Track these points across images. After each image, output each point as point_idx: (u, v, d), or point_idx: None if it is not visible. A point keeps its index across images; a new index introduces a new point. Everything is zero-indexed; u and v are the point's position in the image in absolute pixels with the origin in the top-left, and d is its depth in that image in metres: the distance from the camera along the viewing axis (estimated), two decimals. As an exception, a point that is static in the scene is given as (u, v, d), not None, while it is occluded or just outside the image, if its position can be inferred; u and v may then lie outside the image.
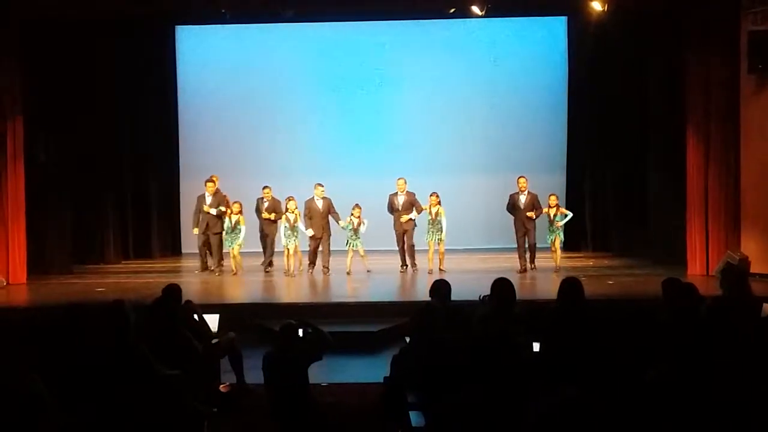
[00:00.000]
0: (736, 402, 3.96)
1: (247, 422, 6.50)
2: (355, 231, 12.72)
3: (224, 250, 13.12)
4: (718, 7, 11.91)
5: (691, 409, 3.86)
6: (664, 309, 5.93)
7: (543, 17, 16.26)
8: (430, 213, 12.69)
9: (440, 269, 12.65)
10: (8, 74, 12.27)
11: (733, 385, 4.09)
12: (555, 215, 12.68)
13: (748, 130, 11.84)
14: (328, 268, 12.78)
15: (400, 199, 12.87)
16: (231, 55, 16.39)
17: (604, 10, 12.42)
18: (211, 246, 13.13)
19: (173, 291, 6.90)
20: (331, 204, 12.87)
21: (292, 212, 12.70)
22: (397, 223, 12.89)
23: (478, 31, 16.08)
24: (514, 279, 7.43)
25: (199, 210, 13.06)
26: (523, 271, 12.63)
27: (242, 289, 12.09)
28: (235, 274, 12.84)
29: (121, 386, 4.92)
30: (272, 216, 13.07)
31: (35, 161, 13.03)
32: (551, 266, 12.81)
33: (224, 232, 12.91)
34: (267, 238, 13.29)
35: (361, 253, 12.77)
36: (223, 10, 13.70)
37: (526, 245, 12.86)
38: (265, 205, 13.19)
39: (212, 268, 13.14)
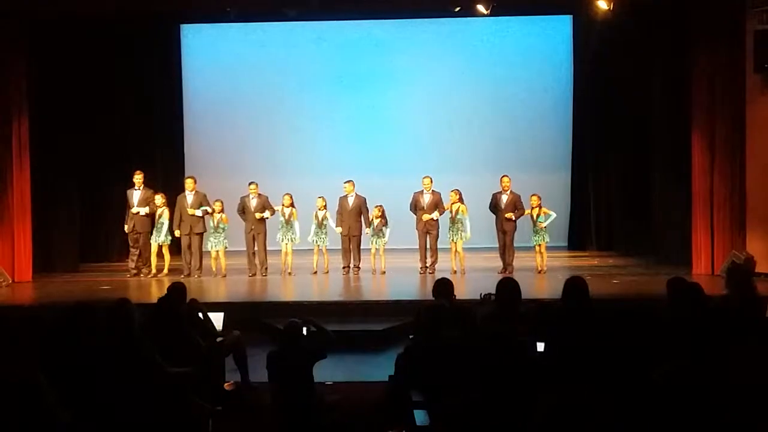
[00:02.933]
0: (743, 401, 3.95)
1: (252, 420, 6.50)
2: (377, 231, 12.59)
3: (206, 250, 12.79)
4: (723, 6, 11.88)
5: (697, 409, 3.85)
6: (670, 308, 5.92)
7: (548, 16, 16.28)
8: (451, 211, 12.48)
9: (462, 271, 12.42)
10: (14, 73, 12.29)
11: (739, 385, 4.08)
12: (537, 216, 12.48)
13: (754, 130, 11.81)
14: (358, 267, 12.74)
15: (426, 198, 12.62)
16: (236, 53, 16.43)
17: (609, 9, 12.41)
18: (192, 247, 12.65)
19: (178, 289, 6.92)
20: (365, 203, 12.72)
21: (287, 207, 12.59)
22: (420, 222, 12.62)
23: (484, 29, 16.07)
24: (518, 278, 7.40)
25: (180, 211, 12.62)
26: (504, 270, 12.40)
27: (246, 287, 12.06)
28: (216, 275, 12.48)
29: (126, 384, 4.93)
30: (266, 214, 12.60)
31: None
32: (539, 266, 12.53)
33: (207, 233, 12.60)
34: (258, 238, 12.65)
35: (381, 252, 12.66)
36: (228, 9, 13.73)
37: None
38: (254, 203, 12.69)
39: (193, 270, 12.62)
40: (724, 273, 11.26)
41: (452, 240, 12.47)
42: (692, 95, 12.34)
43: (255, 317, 9.61)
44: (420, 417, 4.92)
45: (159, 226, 12.61)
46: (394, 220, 12.92)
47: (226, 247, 12.68)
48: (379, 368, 7.32)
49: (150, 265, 12.80)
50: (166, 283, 11.88)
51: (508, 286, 6.00)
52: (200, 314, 7.12)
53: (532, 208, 12.53)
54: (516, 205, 12.53)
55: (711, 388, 3.93)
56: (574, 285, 5.95)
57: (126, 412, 4.76)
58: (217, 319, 7.37)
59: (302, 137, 16.37)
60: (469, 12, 13.41)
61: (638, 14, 13.35)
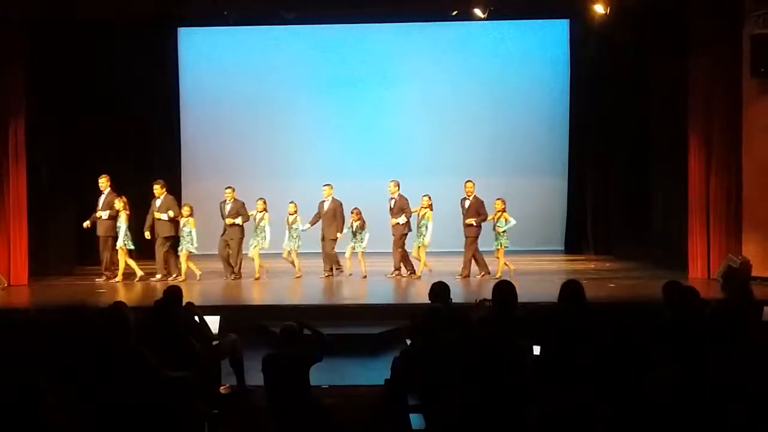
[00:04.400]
0: (739, 405, 3.95)
1: (248, 424, 6.50)
2: (354, 234, 12.59)
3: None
4: (721, 10, 11.90)
5: (694, 412, 3.85)
6: (666, 312, 5.92)
7: (545, 20, 16.28)
8: (418, 215, 12.49)
9: (418, 275, 12.46)
10: (11, 75, 12.28)
11: (736, 389, 4.08)
12: (497, 220, 12.40)
13: (750, 134, 11.83)
14: (332, 270, 12.78)
15: (391, 203, 12.69)
16: (233, 56, 16.43)
17: (606, 13, 12.43)
18: (161, 251, 12.64)
19: (174, 293, 6.91)
20: (340, 207, 12.73)
21: (261, 212, 12.58)
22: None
23: (481, 33, 16.09)
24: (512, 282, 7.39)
25: (150, 215, 12.62)
26: (465, 276, 12.36)
27: (243, 291, 12.06)
28: (183, 280, 12.30)
29: (122, 388, 4.92)
30: (238, 220, 12.54)
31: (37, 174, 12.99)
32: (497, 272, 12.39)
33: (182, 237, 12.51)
34: (231, 243, 12.61)
35: (359, 257, 12.63)
36: (225, 12, 13.74)
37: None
38: (228, 207, 12.65)
39: (162, 275, 12.62)
40: (721, 277, 11.33)
41: (415, 244, 12.52)
42: (689, 99, 12.37)
43: (251, 321, 9.59)
44: (416, 420, 4.92)
45: (117, 229, 12.54)
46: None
47: (190, 252, 12.52)
48: (375, 372, 7.31)
49: (113, 270, 12.68)
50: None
51: (504, 289, 5.99)
52: (196, 317, 7.11)
53: (496, 212, 12.46)
54: (478, 210, 12.48)
55: (708, 391, 3.93)
56: (571, 288, 5.95)
57: (122, 416, 4.75)
58: (213, 322, 7.37)
59: (300, 140, 16.37)
60: (466, 16, 13.42)
61: (635, 18, 13.37)
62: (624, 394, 4.22)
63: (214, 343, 7.18)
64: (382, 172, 15.22)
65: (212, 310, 8.21)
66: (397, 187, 12.68)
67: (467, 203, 12.51)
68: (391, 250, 12.77)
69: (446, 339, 5.27)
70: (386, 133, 16.27)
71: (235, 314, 9.30)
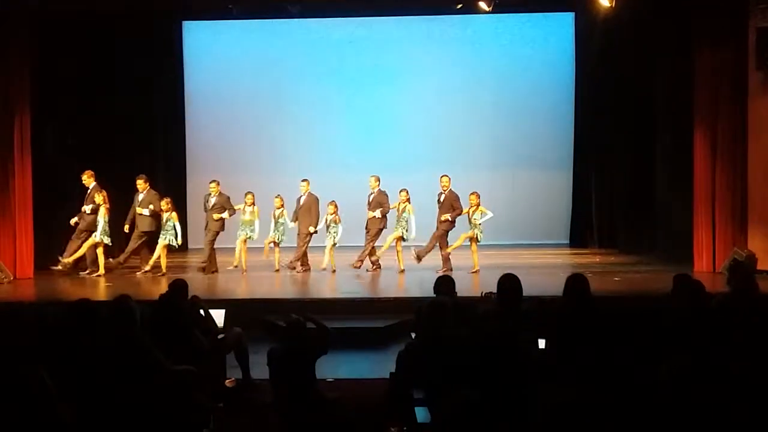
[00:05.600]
0: (745, 399, 3.95)
1: (253, 417, 6.51)
2: (328, 227, 12.61)
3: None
4: (726, 3, 11.86)
5: (699, 406, 3.85)
6: (673, 304, 5.93)
7: (550, 13, 16.26)
8: (397, 210, 12.47)
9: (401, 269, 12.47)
10: (15, 70, 12.27)
11: (742, 382, 4.08)
12: (473, 214, 12.33)
13: (756, 127, 11.79)
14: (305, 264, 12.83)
15: (370, 197, 12.71)
16: (238, 50, 16.42)
17: (611, 6, 12.40)
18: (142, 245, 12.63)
19: (179, 286, 6.92)
20: (316, 201, 12.75)
21: (249, 205, 12.59)
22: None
23: (486, 27, 16.06)
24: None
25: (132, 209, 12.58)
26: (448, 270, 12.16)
27: (247, 285, 12.07)
28: (163, 274, 12.33)
29: (128, 381, 4.93)
30: (224, 214, 12.58)
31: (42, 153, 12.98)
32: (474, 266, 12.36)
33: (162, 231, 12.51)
34: (208, 235, 12.64)
35: (329, 250, 12.60)
36: (230, 6, 13.73)
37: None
38: (212, 201, 12.63)
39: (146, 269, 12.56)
40: (726, 270, 11.28)
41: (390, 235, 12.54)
42: (694, 92, 12.33)
43: (255, 314, 9.60)
44: (421, 414, 4.93)
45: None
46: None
47: (170, 243, 12.54)
48: (381, 365, 7.33)
49: (96, 265, 12.58)
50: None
51: (509, 283, 5.99)
52: (201, 311, 7.12)
53: (470, 206, 12.40)
54: (453, 204, 12.44)
55: (713, 385, 3.93)
56: (576, 282, 5.95)
57: (128, 410, 4.76)
58: (218, 315, 7.38)
59: (304, 134, 16.36)
60: (471, 9, 13.39)
61: (640, 12, 13.34)
62: (630, 388, 4.22)
63: (220, 336, 7.19)
64: (386, 166, 15.19)
65: (216, 303, 8.21)
66: (377, 183, 12.72)
67: (443, 197, 12.50)
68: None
69: (450, 333, 5.27)
70: (391, 127, 16.24)
71: (240, 308, 9.30)
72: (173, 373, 5.34)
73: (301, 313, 6.19)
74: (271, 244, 12.85)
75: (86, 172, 12.65)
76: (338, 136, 16.32)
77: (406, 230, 12.39)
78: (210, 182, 12.81)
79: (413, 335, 6.29)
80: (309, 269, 12.84)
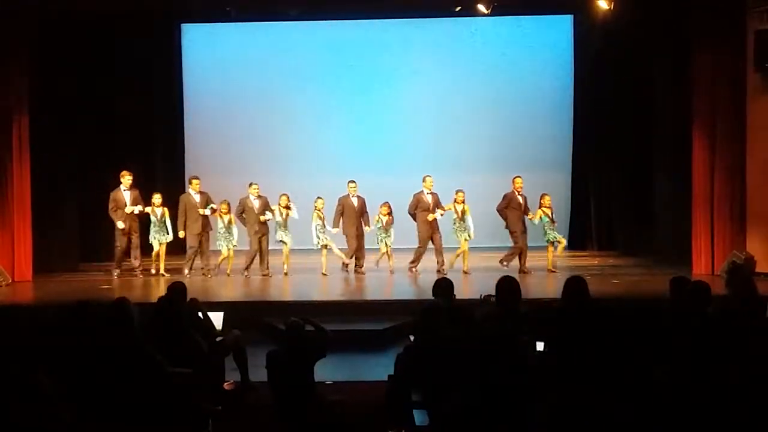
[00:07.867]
0: (743, 401, 3.95)
1: (252, 420, 6.50)
2: (386, 229, 12.54)
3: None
4: (724, 6, 11.87)
5: (698, 409, 3.85)
6: (671, 307, 5.93)
7: (549, 15, 16.27)
8: (456, 211, 12.48)
9: (464, 271, 12.41)
10: (14, 72, 12.26)
11: (740, 385, 4.08)
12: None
13: (755, 129, 11.81)
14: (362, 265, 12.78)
15: (429, 198, 12.57)
16: (236, 53, 16.44)
17: (610, 8, 12.42)
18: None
19: (178, 289, 6.91)
20: (365, 203, 12.74)
21: (284, 207, 12.47)
22: (425, 223, 12.50)
23: (484, 29, 16.07)
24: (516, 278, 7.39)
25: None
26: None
27: (245, 287, 12.05)
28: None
29: (126, 384, 4.92)
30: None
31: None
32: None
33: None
34: (263, 239, 12.51)
35: (388, 251, 12.58)
36: (228, 8, 13.73)
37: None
38: (256, 204, 12.47)
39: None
40: (725, 273, 11.29)
41: (460, 239, 12.46)
42: (693, 95, 12.34)
43: (255, 317, 9.60)
44: (420, 417, 4.92)
45: (161, 227, 12.62)
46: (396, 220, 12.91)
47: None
48: (379, 368, 7.32)
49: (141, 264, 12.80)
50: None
51: (507, 285, 5.99)
52: (200, 314, 7.12)
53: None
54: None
55: (712, 387, 3.93)
56: (575, 284, 5.94)
57: (126, 412, 4.76)
58: (217, 318, 7.38)
59: (303, 136, 16.37)
60: (470, 12, 13.39)
61: (639, 14, 13.35)
62: (629, 390, 4.22)
63: (218, 339, 7.19)
64: (386, 168, 15.25)
65: (215, 306, 8.21)
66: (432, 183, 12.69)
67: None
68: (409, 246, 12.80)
69: (448, 336, 5.27)
70: (389, 129, 16.24)
71: (239, 310, 9.30)
72: (172, 376, 5.33)
73: (302, 316, 6.19)
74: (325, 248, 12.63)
75: (125, 172, 12.63)
76: (335, 138, 16.31)
77: (468, 230, 12.44)
78: (250, 185, 12.58)
79: (411, 338, 6.29)
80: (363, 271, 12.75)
